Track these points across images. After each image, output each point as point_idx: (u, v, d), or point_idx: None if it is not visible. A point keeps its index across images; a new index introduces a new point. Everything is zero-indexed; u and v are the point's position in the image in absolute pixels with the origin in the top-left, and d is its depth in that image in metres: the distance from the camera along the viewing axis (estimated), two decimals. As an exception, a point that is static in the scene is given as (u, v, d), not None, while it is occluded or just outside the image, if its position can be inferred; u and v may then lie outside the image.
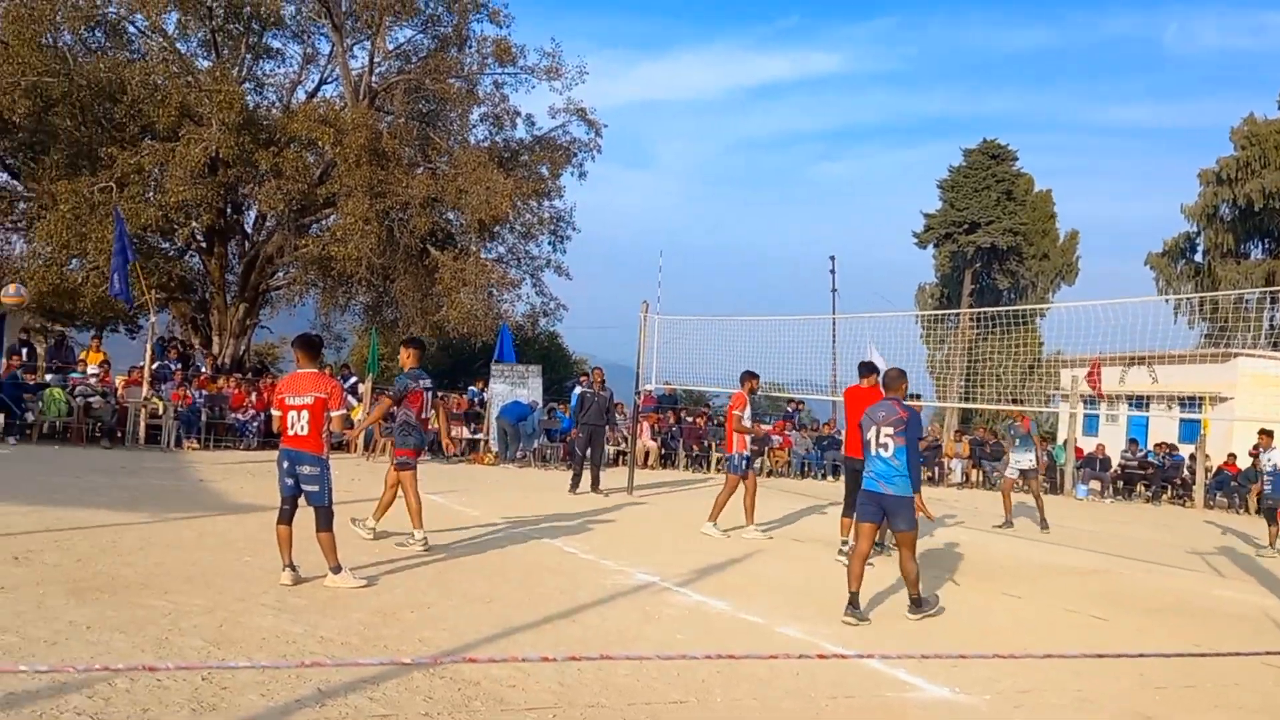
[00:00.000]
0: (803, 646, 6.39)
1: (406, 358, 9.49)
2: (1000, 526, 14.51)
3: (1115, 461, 24.43)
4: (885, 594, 8.45)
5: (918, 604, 7.57)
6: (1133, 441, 25.54)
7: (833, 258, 43.04)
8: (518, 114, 27.11)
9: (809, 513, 14.52)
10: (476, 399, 21.63)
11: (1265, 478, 14.43)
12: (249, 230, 26.47)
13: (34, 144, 22.27)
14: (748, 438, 11.42)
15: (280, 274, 26.33)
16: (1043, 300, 45.44)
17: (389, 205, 22.66)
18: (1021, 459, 15.00)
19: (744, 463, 11.43)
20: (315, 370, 7.33)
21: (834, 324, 18.16)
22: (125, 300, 18.49)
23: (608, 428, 16.68)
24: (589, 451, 15.12)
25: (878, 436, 7.52)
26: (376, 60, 25.51)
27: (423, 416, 9.23)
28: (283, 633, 5.71)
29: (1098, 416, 29.29)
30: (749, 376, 11.66)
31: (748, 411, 11.44)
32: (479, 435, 20.41)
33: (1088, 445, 25.73)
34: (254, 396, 19.23)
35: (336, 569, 7.03)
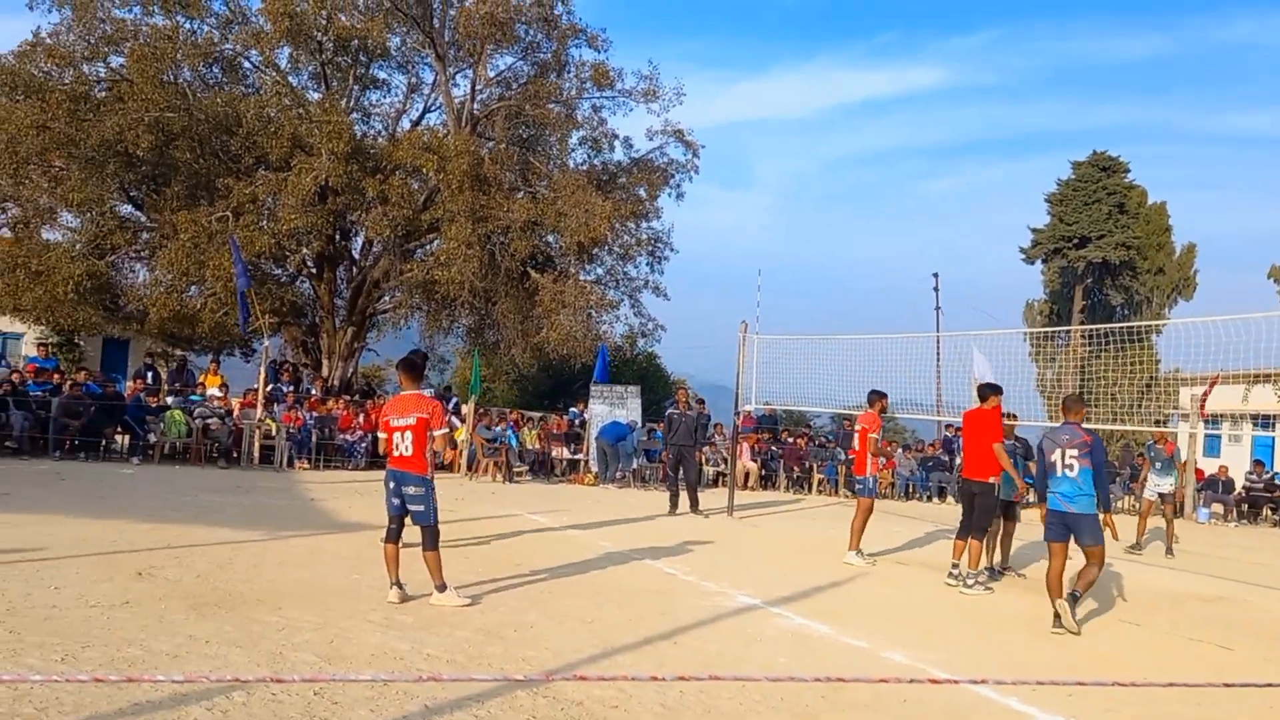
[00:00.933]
0: (910, 671, 6.24)
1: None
2: (1131, 549, 14.08)
3: (1239, 484, 23.35)
4: (1001, 620, 8.22)
5: (1076, 600, 8.05)
6: (1258, 463, 24.39)
7: (936, 275, 42.36)
8: (616, 137, 27.36)
9: (913, 535, 14.22)
10: (576, 420, 21.80)
11: None
12: (356, 256, 27.21)
13: (156, 176, 23.34)
14: (880, 460, 11.47)
15: (386, 298, 26.98)
16: (1158, 316, 43.82)
17: (490, 229, 23.05)
18: (1162, 482, 14.72)
19: (876, 484, 11.46)
20: (418, 391, 7.45)
21: (938, 342, 17.79)
22: (242, 326, 19.20)
23: (701, 447, 16.62)
24: (681, 472, 15.12)
25: (1063, 458, 8.06)
26: (478, 88, 26.05)
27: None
28: (390, 649, 5.82)
29: (1220, 437, 28.07)
30: (879, 396, 11.51)
31: (880, 433, 11.40)
32: (579, 456, 20.55)
33: (1209, 467, 24.66)
34: (361, 418, 19.72)
35: (442, 588, 7.14)
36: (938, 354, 17.32)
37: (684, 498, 15.01)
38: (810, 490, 21.65)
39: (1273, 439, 28.26)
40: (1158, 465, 14.75)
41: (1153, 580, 11.74)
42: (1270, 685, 6.58)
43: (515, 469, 19.59)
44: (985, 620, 8.25)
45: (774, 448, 22.41)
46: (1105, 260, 45.47)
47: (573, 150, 27.31)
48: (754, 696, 5.44)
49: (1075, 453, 7.99)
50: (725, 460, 19.99)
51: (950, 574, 9.88)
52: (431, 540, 7.16)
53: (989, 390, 10.13)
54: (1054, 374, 39.81)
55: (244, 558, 8.39)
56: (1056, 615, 7.90)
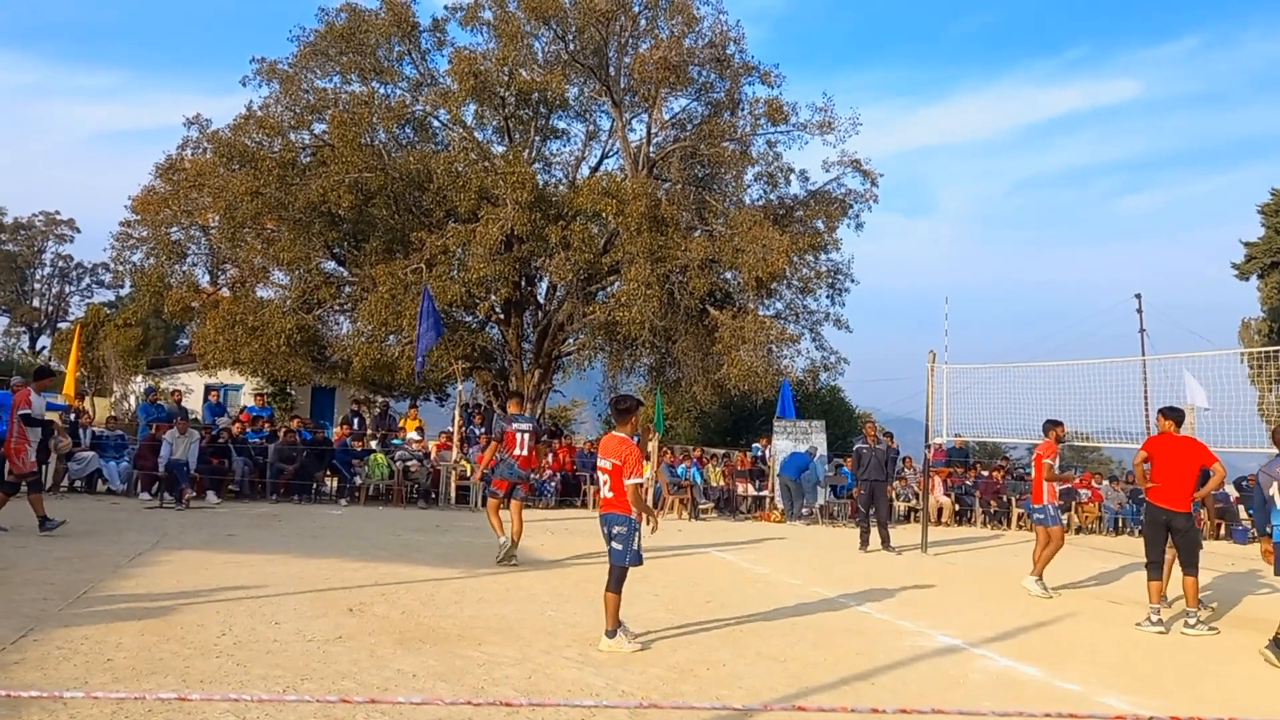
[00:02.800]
0: (1131, 714, 5.83)
1: (511, 406, 11.78)
2: None
3: None
4: (1228, 660, 7.61)
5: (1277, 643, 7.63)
6: None
7: (1139, 296, 40.05)
8: (791, 170, 27.33)
9: (1124, 571, 13.37)
10: (760, 456, 21.66)
11: None
12: (541, 300, 28.06)
13: (356, 233, 24.85)
14: (1056, 487, 11.28)
15: (570, 340, 27.66)
16: (1397, 330, 39.93)
17: (669, 269, 23.34)
18: None
19: (1059, 512, 11.39)
20: (622, 436, 7.27)
21: (1144, 366, 16.77)
22: (417, 373, 20.05)
23: (891, 482, 16.24)
24: (873, 508, 14.77)
25: None
26: (654, 131, 26.55)
27: (517, 454, 11.13)
28: (586, 685, 5.89)
29: None
30: (1054, 424, 11.39)
31: (1057, 461, 11.35)
32: (764, 492, 20.39)
33: None
34: (550, 457, 20.21)
35: (612, 633, 6.96)
36: (1144, 379, 16.29)
37: (875, 534, 14.65)
38: (1009, 525, 20.72)
39: None
40: None
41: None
42: None
43: (700, 506, 19.60)
44: (1206, 661, 7.64)
45: (968, 482, 21.60)
46: (1330, 272, 41.90)
47: (748, 186, 27.44)
48: (959, 741, 5.22)
49: None
50: (917, 495, 19.41)
51: (1149, 619, 9.15)
52: (616, 582, 7.04)
53: (1170, 414, 9.56)
54: (1276, 396, 36.89)
55: (445, 594, 8.70)
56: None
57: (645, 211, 22.91)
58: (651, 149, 26.35)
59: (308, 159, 23.86)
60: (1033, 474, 11.70)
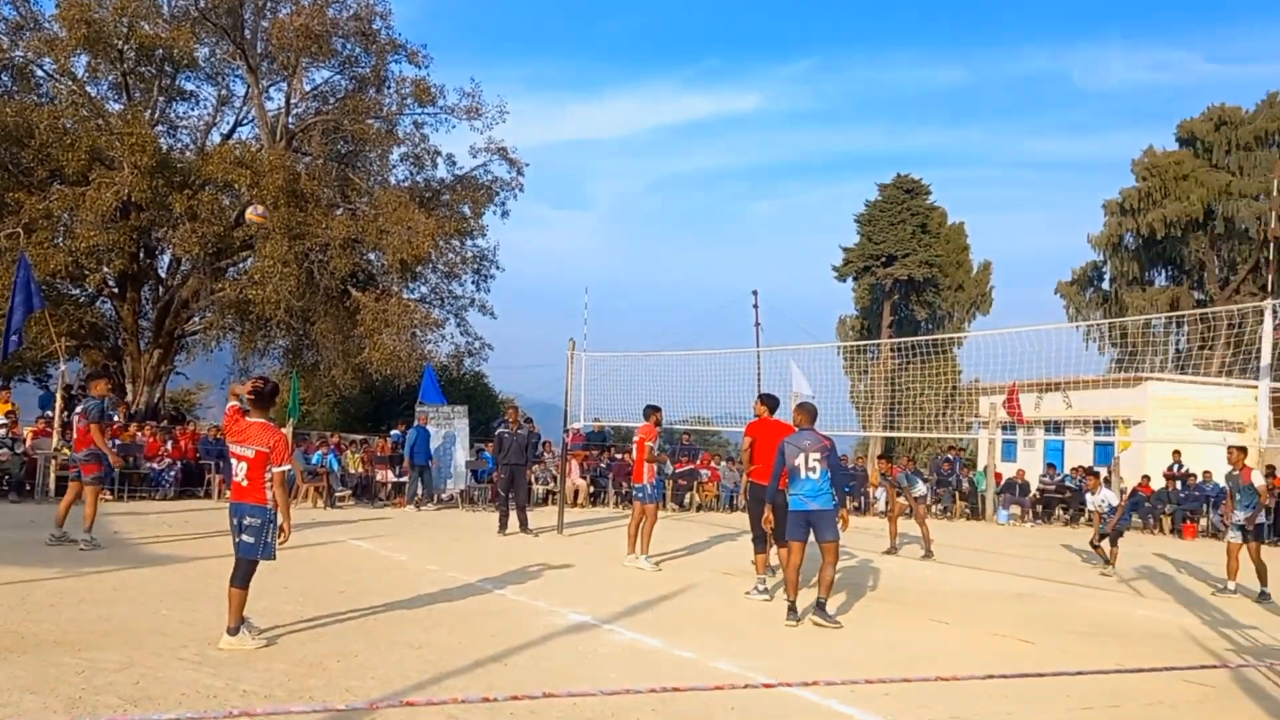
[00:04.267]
0: (738, 680, 6.38)
1: (96, 387, 11.48)
2: (1220, 591, 12.00)
3: (1034, 486, 24.97)
4: (815, 626, 8.50)
5: (823, 608, 8.51)
6: (1050, 466, 26.14)
7: (755, 292, 43.58)
8: (438, 153, 27.11)
9: (738, 546, 14.55)
10: (400, 442, 21.31)
11: (1107, 515, 13.94)
12: (163, 275, 25.91)
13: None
14: (655, 467, 12.20)
15: (196, 318, 25.79)
16: (959, 330, 46.49)
17: (308, 247, 22.39)
18: (1242, 514, 12.22)
19: (657, 491, 12.30)
20: (264, 421, 6.82)
21: (758, 357, 18.32)
22: (9, 350, 17.69)
23: (531, 466, 16.64)
24: (512, 492, 15.05)
25: (806, 462, 8.63)
26: (293, 101, 25.31)
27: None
28: (203, 687, 5.52)
29: (1016, 442, 29.95)
30: (653, 410, 12.31)
31: (657, 443, 12.31)
32: (404, 479, 20.11)
33: (1008, 471, 26.29)
34: (170, 445, 18.72)
35: (234, 630, 6.57)
36: (758, 369, 17.82)
37: (514, 517, 14.91)
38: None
39: (1062, 443, 30.38)
40: (1238, 497, 12.16)
41: (958, 580, 12.42)
42: (1065, 674, 7.06)
43: (337, 494, 19.00)
44: (804, 626, 8.52)
45: (603, 464, 22.53)
46: (910, 277, 47.96)
47: (394, 166, 26.93)
48: (586, 713, 5.44)
49: (818, 456, 8.61)
50: (555, 478, 19.97)
51: (757, 588, 10.04)
52: (243, 576, 6.62)
53: (775, 400, 10.76)
54: (866, 386, 41.72)
55: (39, 596, 7.81)
56: (792, 608, 8.53)
57: (283, 185, 21.80)
58: (291, 120, 25.09)
59: None
60: (635, 455, 12.56)
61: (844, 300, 51.17)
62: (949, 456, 25.89)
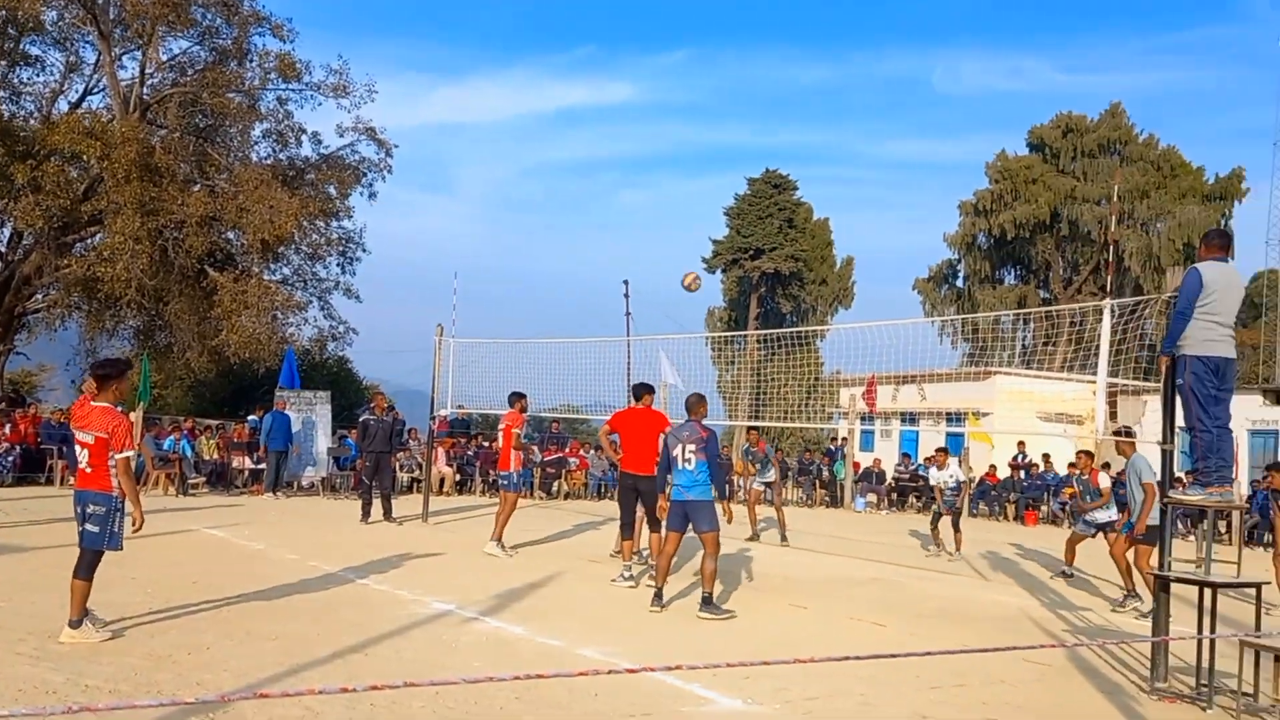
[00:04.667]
0: (602, 666, 6.44)
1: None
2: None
3: (890, 475, 25.90)
4: (686, 610, 8.64)
5: (709, 602, 8.41)
6: (905, 456, 27.15)
7: (626, 282, 43.80)
8: (303, 131, 26.30)
9: (604, 534, 14.65)
10: (256, 427, 20.64)
11: (949, 492, 14.66)
12: (3, 249, 24.41)
13: None
14: (522, 454, 12.31)
15: (39, 296, 24.41)
16: (822, 323, 47.71)
17: (162, 223, 21.44)
18: (1099, 513, 11.94)
19: (522, 480, 12.41)
20: (106, 405, 6.53)
21: (628, 346, 18.43)
22: None
23: (395, 453, 16.38)
24: (377, 480, 14.80)
25: (683, 452, 8.66)
26: (148, 71, 24.14)
27: None
28: (42, 682, 5.27)
29: (874, 432, 31.00)
30: (519, 397, 12.31)
31: (523, 430, 12.40)
32: (262, 466, 19.49)
33: (865, 460, 27.20)
34: (8, 429, 17.70)
35: (76, 622, 6.29)
36: (628, 358, 17.92)
37: (377, 506, 14.65)
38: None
39: (917, 433, 31.57)
40: (1089, 498, 11.97)
41: (817, 566, 12.81)
42: (913, 654, 7.36)
43: (190, 481, 18.29)
44: (668, 612, 8.65)
45: (469, 452, 22.33)
46: (776, 271, 48.93)
47: (256, 143, 26.01)
48: (448, 703, 5.42)
49: (694, 447, 8.64)
50: (420, 466, 19.69)
51: (624, 575, 10.14)
52: (87, 567, 6.35)
53: (645, 389, 10.73)
54: (732, 376, 42.47)
55: None
56: (658, 594, 8.67)
57: (136, 158, 20.79)
58: (146, 91, 23.93)
59: None
60: (501, 443, 12.50)
61: (713, 293, 51.78)
62: (829, 449, 26.72)
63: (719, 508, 8.85)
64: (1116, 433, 11.29)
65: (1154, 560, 8.14)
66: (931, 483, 16.52)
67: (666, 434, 9.04)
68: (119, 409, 6.62)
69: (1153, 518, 9.28)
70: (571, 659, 6.67)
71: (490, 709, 5.38)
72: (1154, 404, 12.45)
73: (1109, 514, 11.86)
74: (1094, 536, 12.24)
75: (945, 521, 14.66)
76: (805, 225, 50.62)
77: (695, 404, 9.08)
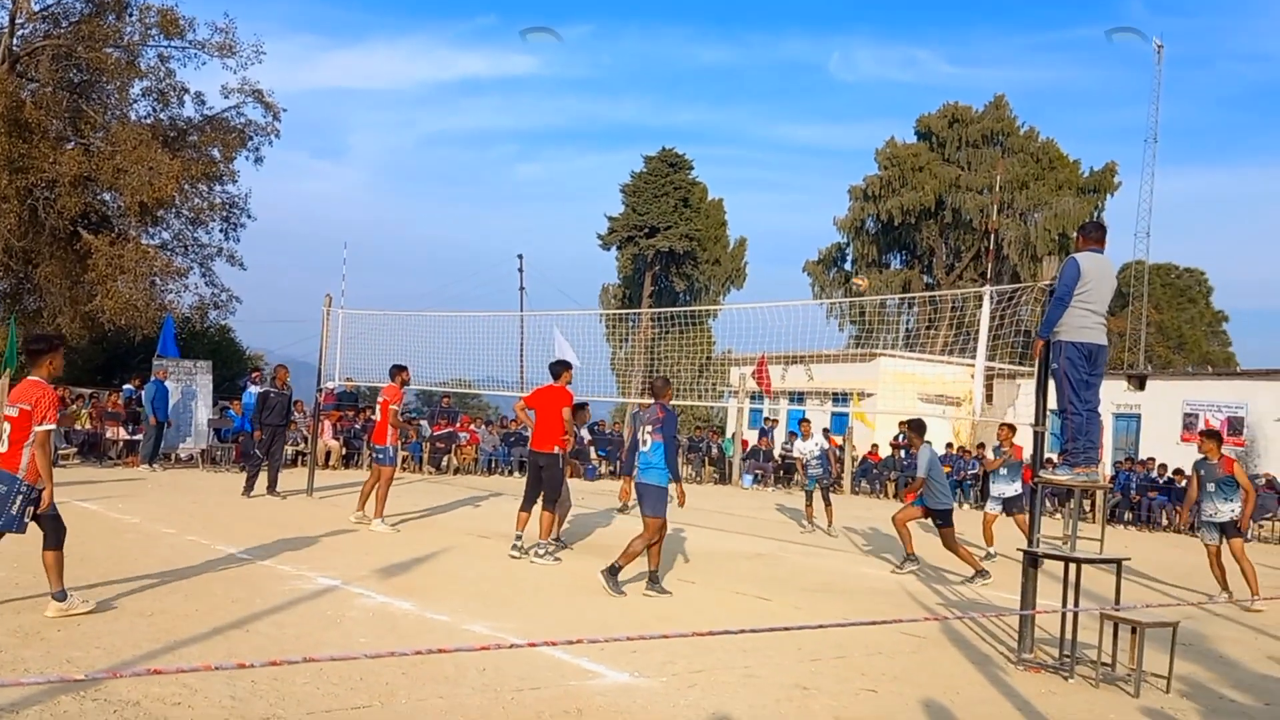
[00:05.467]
0: (488, 641, 6.44)
1: None
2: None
3: (777, 452, 26.40)
4: (576, 586, 8.69)
5: (613, 574, 8.52)
6: (791, 434, 27.64)
7: (520, 256, 43.57)
8: (186, 91, 25.35)
9: (494, 509, 14.62)
10: (132, 397, 19.91)
11: (814, 461, 14.92)
12: None
13: None
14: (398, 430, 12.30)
15: (-107, 255, 23.00)
16: (714, 302, 48.21)
17: (32, 182, 20.45)
18: (1006, 488, 12.75)
19: (396, 453, 12.46)
20: (36, 379, 6.37)
21: (522, 321, 18.35)
22: None
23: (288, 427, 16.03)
24: (270, 454, 14.45)
25: (643, 435, 8.70)
26: (19, 21, 22.89)
27: None
28: (-102, 664, 5.02)
29: (761, 411, 31.50)
30: (399, 370, 12.32)
31: (402, 404, 12.45)
32: (137, 436, 18.81)
33: (752, 438, 27.66)
34: None
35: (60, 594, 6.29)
36: (521, 333, 17.84)
37: (261, 479, 14.30)
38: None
39: (803, 413, 32.21)
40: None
41: (706, 542, 13.00)
42: (798, 628, 7.57)
43: (60, 451, 17.54)
44: (557, 587, 8.70)
45: (356, 425, 21.94)
46: (671, 249, 49.24)
47: (135, 101, 24.95)
48: (331, 679, 5.35)
49: (650, 428, 8.66)
50: (305, 439, 19.27)
51: (514, 546, 10.20)
52: None
53: (562, 367, 10.62)
54: (625, 353, 42.67)
55: None
56: (651, 579, 8.72)
57: (4, 112, 19.76)
58: (16, 42, 22.70)
59: None
60: (379, 417, 12.43)
61: (608, 269, 51.79)
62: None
63: (672, 489, 8.68)
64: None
65: (1022, 538, 8.50)
66: (794, 454, 16.84)
67: (634, 416, 9.13)
68: (50, 384, 6.36)
69: (944, 501, 10.81)
70: (459, 634, 6.66)
71: (375, 683, 5.33)
72: (1027, 387, 12.93)
73: (1014, 488, 12.70)
74: (1006, 515, 12.86)
75: (818, 497, 14.98)
76: (700, 205, 51.01)
77: (662, 388, 9.07)
